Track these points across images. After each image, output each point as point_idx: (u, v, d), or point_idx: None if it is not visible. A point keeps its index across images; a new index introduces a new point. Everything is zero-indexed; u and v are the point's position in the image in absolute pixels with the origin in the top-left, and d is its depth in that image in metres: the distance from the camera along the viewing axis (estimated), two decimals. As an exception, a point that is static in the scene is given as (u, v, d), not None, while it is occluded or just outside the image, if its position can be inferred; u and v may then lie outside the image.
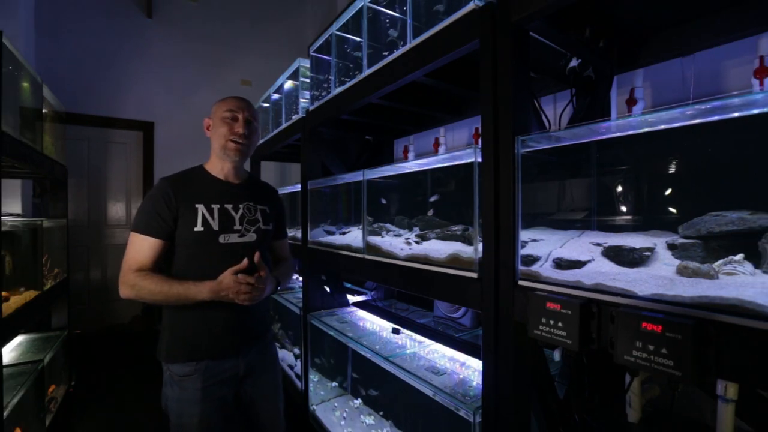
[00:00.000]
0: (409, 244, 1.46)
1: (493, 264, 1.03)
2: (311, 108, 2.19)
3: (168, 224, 1.19)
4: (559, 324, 0.84)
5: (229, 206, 1.27)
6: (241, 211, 1.29)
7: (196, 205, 1.22)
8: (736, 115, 0.69)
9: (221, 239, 1.23)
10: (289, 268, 1.51)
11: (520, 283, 0.97)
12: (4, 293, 1.65)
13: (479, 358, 1.21)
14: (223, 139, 1.26)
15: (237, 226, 1.27)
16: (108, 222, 4.26)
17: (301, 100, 2.46)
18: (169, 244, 1.21)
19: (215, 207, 1.24)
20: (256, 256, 1.24)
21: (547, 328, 0.86)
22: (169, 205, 1.19)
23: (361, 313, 2.25)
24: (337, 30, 1.95)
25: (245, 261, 1.20)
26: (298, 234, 2.35)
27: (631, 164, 1.20)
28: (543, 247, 1.03)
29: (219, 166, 1.31)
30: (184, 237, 1.21)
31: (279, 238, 1.51)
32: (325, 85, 2.11)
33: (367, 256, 1.63)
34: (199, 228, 1.20)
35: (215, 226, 1.23)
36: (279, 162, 4.74)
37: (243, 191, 1.33)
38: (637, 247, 0.87)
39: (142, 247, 1.17)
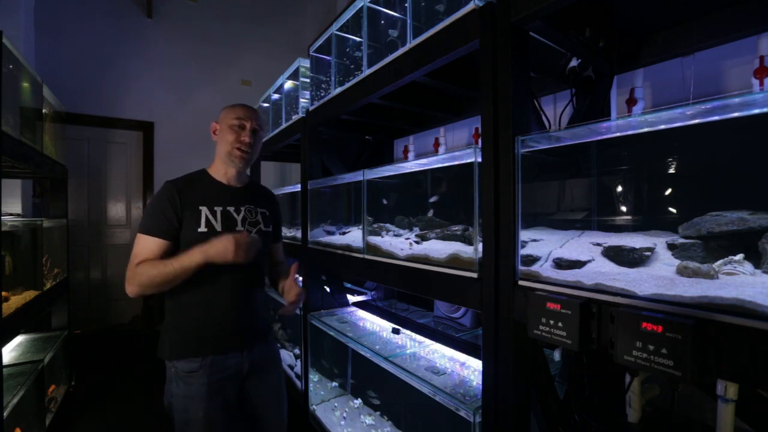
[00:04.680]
0: (410, 245, 1.46)
1: (493, 264, 1.03)
2: (311, 108, 2.19)
3: (173, 225, 1.22)
4: (559, 324, 0.84)
5: (231, 209, 1.32)
6: (242, 213, 1.34)
7: (200, 208, 1.26)
8: (736, 115, 0.69)
9: None
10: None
11: (520, 283, 0.97)
12: (4, 293, 1.65)
13: (479, 358, 1.21)
14: (229, 146, 1.30)
15: (239, 228, 1.31)
16: (108, 222, 4.26)
17: (301, 100, 2.46)
18: (173, 246, 1.23)
19: (218, 209, 1.29)
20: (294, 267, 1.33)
21: (547, 328, 0.86)
22: (174, 206, 1.23)
23: (361, 313, 2.25)
24: (337, 30, 1.95)
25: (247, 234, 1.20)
26: (298, 234, 2.35)
27: (631, 164, 1.20)
28: (543, 247, 1.03)
29: (222, 171, 1.35)
30: (188, 238, 1.23)
31: (276, 241, 1.54)
32: (325, 86, 2.11)
33: (367, 256, 1.63)
34: (202, 229, 1.24)
35: (218, 227, 1.27)
36: (279, 162, 4.74)
37: (244, 195, 1.38)
38: (637, 247, 0.87)
39: (146, 247, 1.20)
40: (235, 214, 1.32)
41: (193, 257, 1.14)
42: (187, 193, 1.26)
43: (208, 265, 1.17)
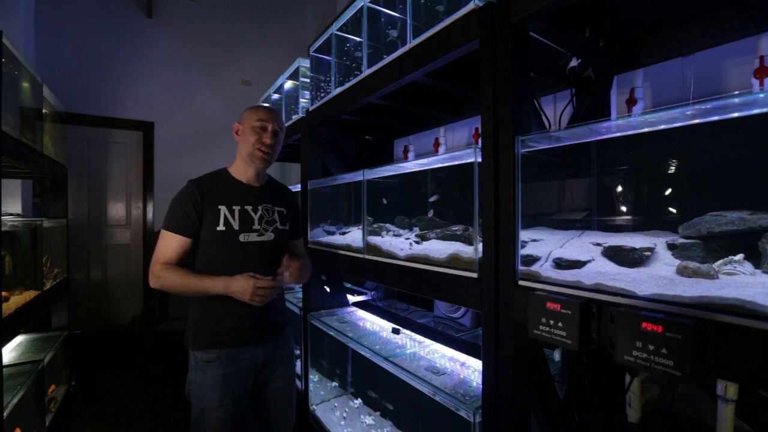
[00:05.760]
0: (410, 245, 1.46)
1: (493, 264, 1.03)
2: (311, 108, 2.19)
3: (194, 223, 1.31)
4: (559, 324, 0.84)
5: (248, 207, 1.38)
6: (259, 212, 1.40)
7: (219, 206, 1.33)
8: (736, 115, 0.69)
9: (241, 238, 1.34)
10: (306, 265, 1.53)
11: (520, 283, 0.97)
12: (4, 293, 1.65)
13: (479, 358, 1.21)
14: (251, 146, 1.36)
15: (256, 226, 1.37)
16: (108, 222, 4.25)
17: (301, 100, 2.46)
18: (194, 242, 1.32)
19: (236, 208, 1.35)
20: (286, 258, 1.38)
21: (547, 328, 0.86)
22: (196, 205, 1.30)
23: (361, 313, 2.25)
24: (337, 30, 1.95)
25: (269, 280, 1.30)
26: (298, 234, 2.34)
27: (631, 164, 1.20)
28: (543, 247, 1.03)
29: (243, 170, 1.41)
30: (207, 236, 1.32)
31: (294, 237, 1.57)
32: (325, 86, 2.11)
33: (367, 256, 1.63)
34: (221, 227, 1.31)
35: (236, 225, 1.33)
36: (279, 162, 4.74)
37: (262, 194, 1.43)
38: (637, 247, 0.87)
39: (170, 244, 1.29)
40: (252, 213, 1.37)
41: (216, 286, 1.26)
42: (208, 192, 1.33)
43: (226, 267, 1.30)
